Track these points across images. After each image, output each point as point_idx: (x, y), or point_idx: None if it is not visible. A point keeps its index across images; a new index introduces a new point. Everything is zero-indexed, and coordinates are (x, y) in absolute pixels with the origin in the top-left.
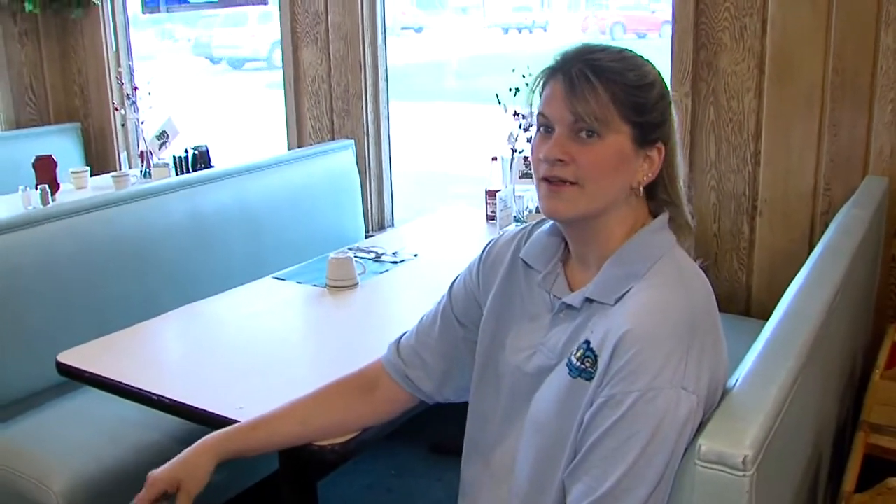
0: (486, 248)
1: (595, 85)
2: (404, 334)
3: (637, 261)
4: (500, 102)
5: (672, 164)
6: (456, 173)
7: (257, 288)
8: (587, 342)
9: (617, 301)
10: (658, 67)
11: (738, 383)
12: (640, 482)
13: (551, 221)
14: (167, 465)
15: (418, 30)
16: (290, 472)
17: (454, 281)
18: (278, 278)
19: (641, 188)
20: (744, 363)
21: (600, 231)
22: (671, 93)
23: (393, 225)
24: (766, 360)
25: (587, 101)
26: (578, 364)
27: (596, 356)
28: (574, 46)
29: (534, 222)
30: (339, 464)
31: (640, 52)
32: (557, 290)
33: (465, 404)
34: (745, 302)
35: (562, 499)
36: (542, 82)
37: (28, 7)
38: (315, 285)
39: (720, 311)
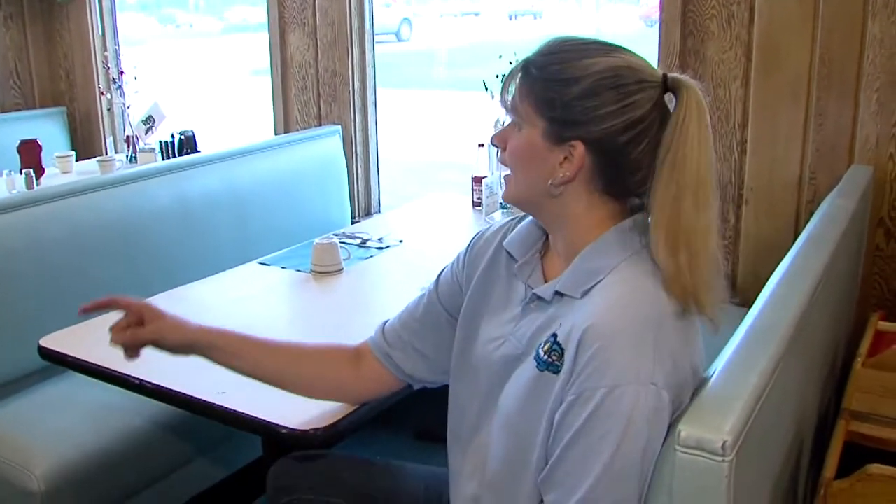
0: (475, 237)
1: (516, 77)
2: (387, 320)
3: (605, 256)
4: (486, 89)
5: (620, 168)
6: (444, 161)
7: (242, 273)
8: (554, 335)
9: (584, 295)
10: (617, 63)
11: (718, 370)
12: (617, 482)
13: None
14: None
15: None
16: (273, 459)
17: (444, 268)
18: (263, 263)
19: (559, 186)
20: (725, 350)
21: (555, 222)
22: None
23: (379, 211)
24: (748, 347)
25: (508, 92)
26: (545, 357)
27: (562, 350)
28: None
29: (520, 215)
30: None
31: (617, 46)
32: (532, 281)
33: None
34: (730, 289)
35: (535, 494)
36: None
37: None
38: (299, 270)
39: None
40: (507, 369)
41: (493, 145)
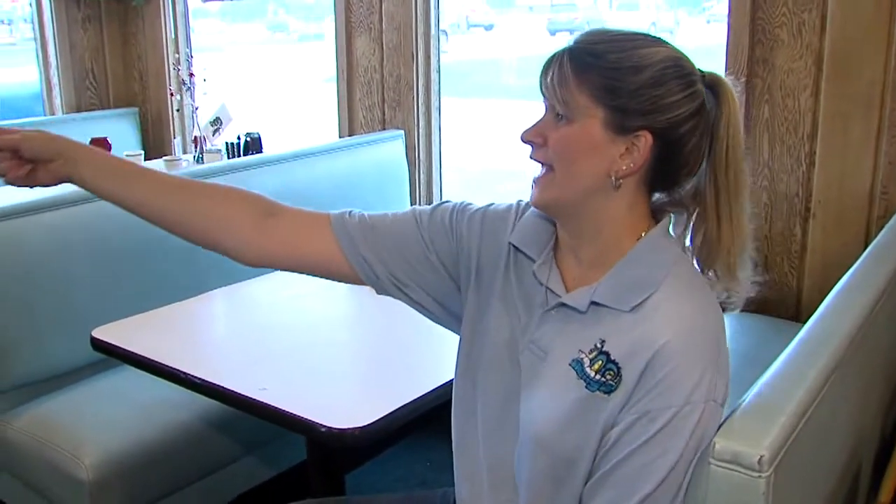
0: (484, 207)
1: (567, 70)
2: (354, 213)
3: (650, 266)
4: None
5: (675, 161)
6: (510, 171)
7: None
8: (605, 353)
9: (634, 308)
10: (673, 53)
11: (763, 382)
12: (664, 495)
13: None
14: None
15: (488, 27)
16: (317, 462)
17: (435, 207)
18: None
19: (619, 179)
20: (773, 363)
21: (590, 226)
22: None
23: None
24: (796, 360)
25: (557, 86)
26: (598, 377)
27: (619, 368)
28: (580, 32)
29: (523, 205)
30: (371, 454)
31: (659, 37)
32: (553, 285)
33: None
34: (794, 307)
35: None
36: (543, 69)
37: None
38: None
39: (769, 314)
40: (527, 378)
41: (527, 143)
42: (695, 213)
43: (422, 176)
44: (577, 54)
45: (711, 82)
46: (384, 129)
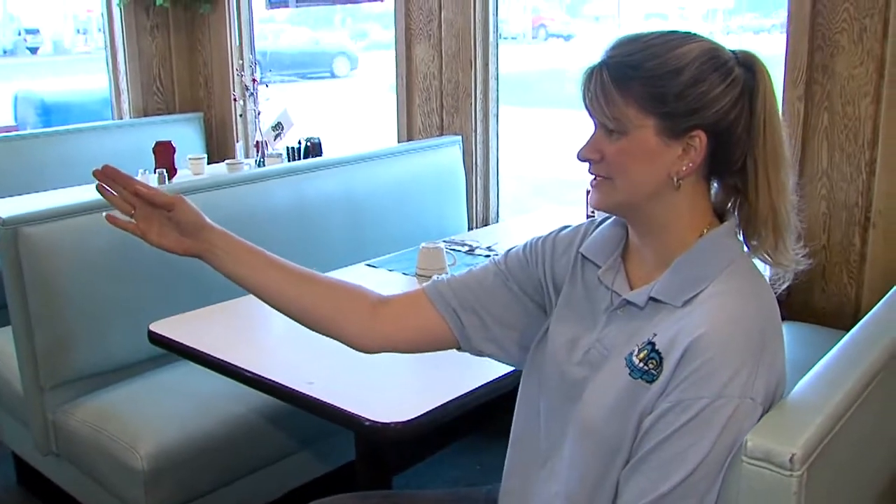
0: (556, 232)
1: (608, 86)
2: (443, 277)
3: (708, 264)
4: None
5: (729, 147)
6: (574, 180)
7: (350, 273)
8: (651, 343)
9: (685, 303)
10: (706, 45)
11: (802, 383)
12: (694, 490)
13: (614, 216)
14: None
15: (567, 38)
16: (365, 459)
17: (513, 248)
18: (371, 265)
19: (680, 180)
20: (816, 365)
21: (654, 225)
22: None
23: (495, 223)
24: (838, 362)
25: (601, 102)
26: (641, 365)
27: (661, 358)
28: (609, 42)
29: (597, 220)
30: (421, 456)
31: (687, 31)
32: (617, 286)
33: None
34: (852, 317)
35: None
36: (580, 84)
37: (159, 1)
38: (405, 273)
39: (827, 325)
40: (591, 376)
41: (584, 160)
42: (738, 188)
43: (479, 182)
44: (615, 68)
45: (745, 60)
46: (442, 134)
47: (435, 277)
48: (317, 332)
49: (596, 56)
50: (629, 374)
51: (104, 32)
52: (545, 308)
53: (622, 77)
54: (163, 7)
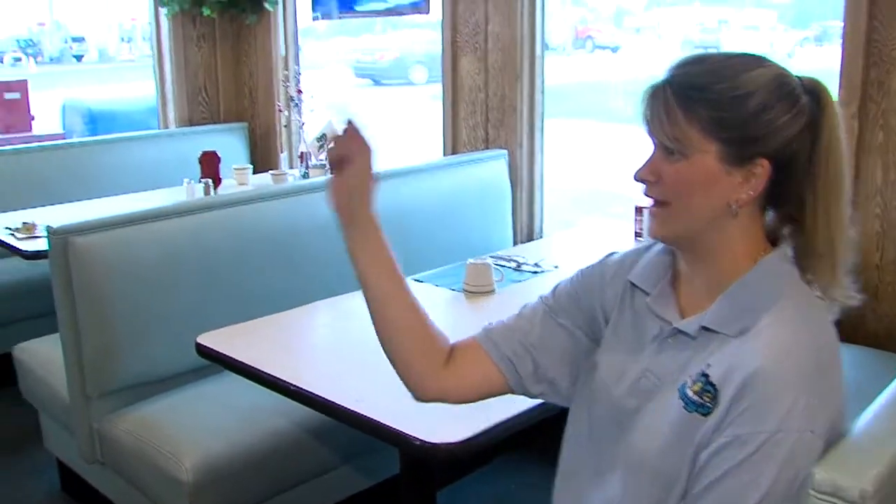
0: (603, 258)
1: (672, 106)
2: (494, 322)
3: (761, 292)
4: None
5: (791, 177)
6: (617, 193)
7: None
8: (705, 375)
9: (739, 333)
10: (774, 71)
11: (870, 414)
12: None
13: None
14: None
15: (615, 49)
16: (411, 476)
17: (561, 282)
18: (417, 280)
19: (739, 208)
20: (881, 394)
21: (707, 253)
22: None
23: (540, 237)
24: None
25: (665, 123)
26: (696, 398)
27: (716, 391)
28: (675, 60)
29: (645, 245)
30: (463, 472)
31: (756, 54)
32: (667, 315)
33: None
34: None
35: None
36: (642, 101)
37: (205, 12)
38: (452, 289)
39: (879, 348)
40: (642, 407)
41: (641, 181)
42: (794, 217)
43: (524, 195)
44: (680, 88)
45: (811, 87)
46: (487, 148)
47: (486, 325)
48: (388, 356)
49: (656, 72)
50: (683, 406)
51: (151, 42)
52: (597, 339)
53: (687, 97)
54: (209, 17)
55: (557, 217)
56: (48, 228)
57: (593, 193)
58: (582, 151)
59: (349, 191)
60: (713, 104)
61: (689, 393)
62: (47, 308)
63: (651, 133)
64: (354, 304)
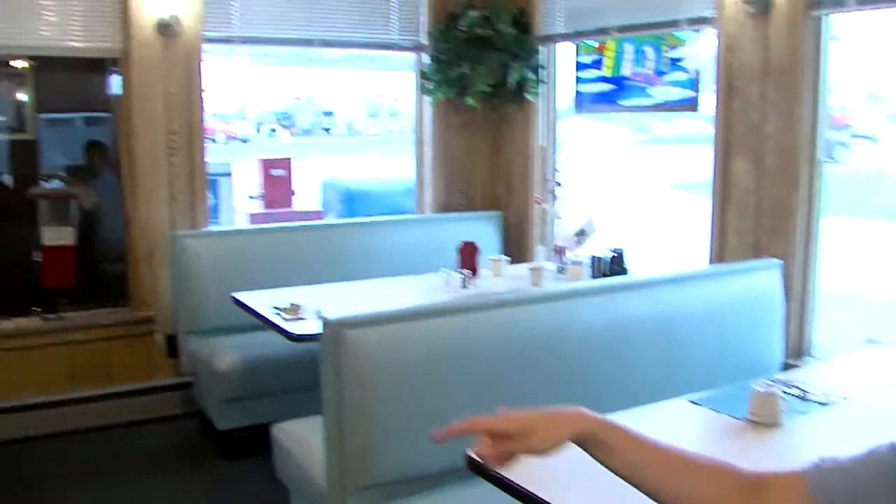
0: None
1: None
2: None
3: None
4: None
5: None
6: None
7: (670, 409)
8: None
9: None
10: None
11: None
12: None
13: None
14: (518, 411)
15: (874, 139)
16: None
17: None
18: (694, 402)
19: None
20: None
21: None
22: None
23: (811, 354)
24: None
25: None
26: None
27: None
28: None
29: None
30: None
31: None
32: None
33: None
34: None
35: None
36: None
37: (469, 101)
38: (733, 416)
39: None
40: None
41: None
42: None
43: (794, 308)
44: None
45: None
46: (757, 255)
47: (818, 460)
48: None
49: None
50: None
51: (413, 128)
52: None
53: None
54: (472, 107)
55: (835, 332)
56: (324, 319)
57: (857, 297)
58: (853, 253)
59: (539, 449)
60: None
61: None
62: (304, 384)
63: None
64: (639, 422)
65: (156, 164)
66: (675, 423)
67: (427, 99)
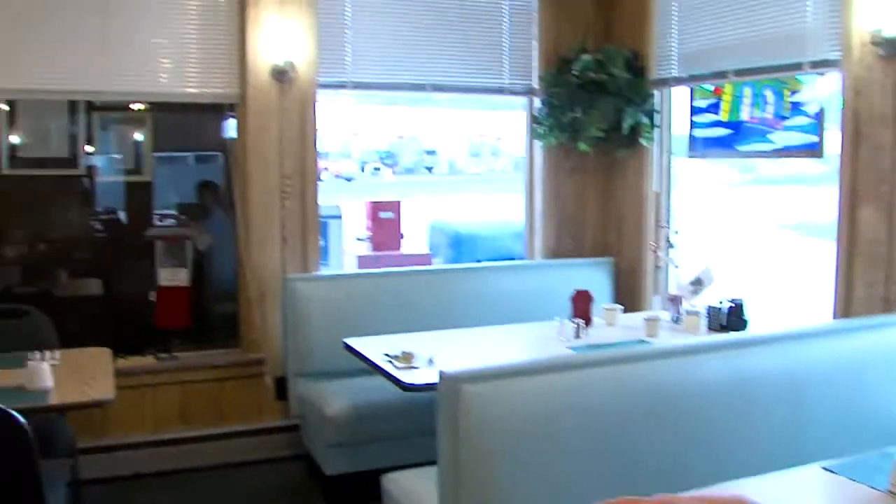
0: None
1: None
2: None
3: None
4: None
5: None
6: None
7: (801, 477)
8: None
9: None
10: None
11: None
12: None
13: None
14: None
15: None
16: None
17: None
18: (828, 469)
19: None
20: None
21: None
22: None
23: None
24: None
25: None
26: None
27: None
28: None
29: None
30: None
31: None
32: None
33: None
34: None
35: None
36: None
37: (581, 147)
38: (873, 487)
39: None
40: None
41: None
42: None
43: None
44: None
45: None
46: (888, 310)
47: None
48: None
49: None
50: None
51: (524, 172)
52: None
53: None
54: (584, 151)
55: None
56: (440, 373)
57: None
58: None
59: None
60: None
61: None
62: (413, 431)
63: None
64: (770, 490)
65: (270, 207)
66: (807, 492)
67: (538, 143)
